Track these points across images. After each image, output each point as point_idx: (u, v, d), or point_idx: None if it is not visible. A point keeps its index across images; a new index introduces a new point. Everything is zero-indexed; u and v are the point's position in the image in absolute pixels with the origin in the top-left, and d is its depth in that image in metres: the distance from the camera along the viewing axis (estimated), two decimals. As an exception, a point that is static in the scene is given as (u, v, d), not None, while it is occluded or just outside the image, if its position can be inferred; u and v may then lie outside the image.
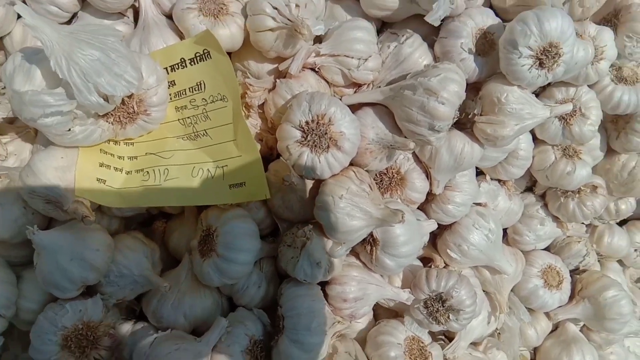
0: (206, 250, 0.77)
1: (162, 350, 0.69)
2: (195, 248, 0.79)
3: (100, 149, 0.76)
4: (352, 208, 0.74)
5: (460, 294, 0.83)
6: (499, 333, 0.99)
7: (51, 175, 0.70)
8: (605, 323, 1.01)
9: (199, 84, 0.75)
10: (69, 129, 0.68)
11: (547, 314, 1.07)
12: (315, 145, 0.73)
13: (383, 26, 0.91)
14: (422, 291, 0.85)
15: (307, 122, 0.73)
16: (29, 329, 0.74)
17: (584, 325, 1.11)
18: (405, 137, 0.77)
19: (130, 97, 0.70)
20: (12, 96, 0.66)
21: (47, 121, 0.66)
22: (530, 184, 1.10)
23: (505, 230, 1.07)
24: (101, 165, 0.75)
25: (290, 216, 0.82)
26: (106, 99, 0.66)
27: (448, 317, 0.83)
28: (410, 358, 0.83)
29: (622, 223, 1.19)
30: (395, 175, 0.86)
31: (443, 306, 0.83)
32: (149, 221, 0.91)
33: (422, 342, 0.86)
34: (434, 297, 0.84)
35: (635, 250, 1.20)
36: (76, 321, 0.73)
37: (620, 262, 1.22)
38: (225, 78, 0.74)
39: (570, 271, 1.09)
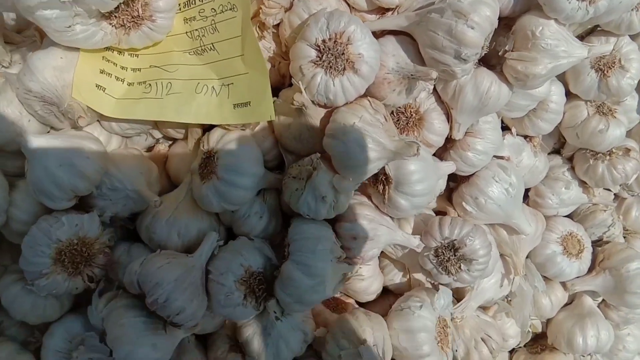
0: (206, 173, 0.74)
1: (152, 265, 0.67)
2: (196, 171, 0.76)
3: (103, 56, 0.73)
4: (364, 138, 0.70)
5: (474, 243, 0.79)
6: (510, 299, 0.95)
7: (49, 75, 0.68)
8: (626, 297, 0.97)
9: None
10: (69, 26, 0.65)
11: (563, 285, 1.03)
12: (331, 67, 0.69)
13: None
14: (434, 238, 0.81)
15: (323, 41, 0.69)
16: (19, 241, 0.72)
17: (602, 301, 1.07)
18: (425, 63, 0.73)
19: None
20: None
21: (45, 13, 0.63)
22: (558, 146, 1.05)
23: (527, 191, 1.03)
24: (102, 72, 0.73)
25: (298, 147, 0.78)
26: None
27: (460, 267, 0.80)
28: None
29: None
30: (414, 114, 0.82)
31: (455, 255, 0.80)
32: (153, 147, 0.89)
33: (445, 320, 0.83)
34: (446, 245, 0.80)
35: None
36: (71, 235, 0.71)
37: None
38: None
39: (593, 242, 1.05)
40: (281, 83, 0.82)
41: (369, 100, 0.74)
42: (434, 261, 0.81)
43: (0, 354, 0.78)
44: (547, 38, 0.74)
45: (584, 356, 1.02)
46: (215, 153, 0.73)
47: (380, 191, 0.78)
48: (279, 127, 0.77)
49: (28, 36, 0.81)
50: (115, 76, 0.73)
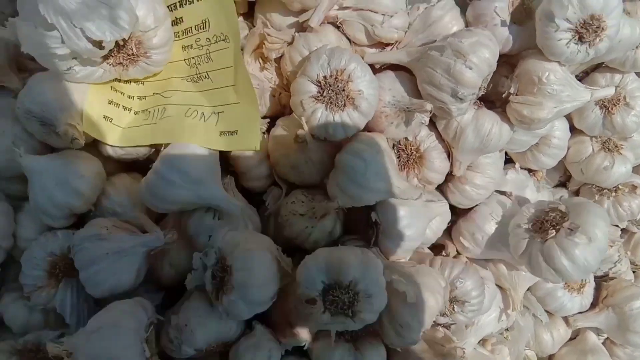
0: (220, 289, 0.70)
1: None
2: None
3: (111, 87, 0.77)
4: (383, 167, 0.73)
5: (465, 284, 0.80)
6: (508, 330, 0.95)
7: (48, 97, 0.72)
8: (629, 335, 0.97)
9: (204, 21, 0.75)
10: (69, 68, 0.70)
11: (566, 320, 1.03)
12: (331, 102, 0.72)
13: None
14: None
15: (324, 77, 0.72)
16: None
17: (608, 338, 1.06)
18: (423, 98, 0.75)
19: (128, 39, 0.70)
20: (17, 26, 0.68)
21: (44, 59, 0.68)
22: (564, 179, 1.06)
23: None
24: (110, 102, 0.77)
25: (295, 177, 0.81)
26: (98, 44, 0.66)
27: (453, 308, 0.81)
28: None
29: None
30: (414, 152, 0.84)
31: (448, 299, 0.81)
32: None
33: None
34: None
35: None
36: (66, 249, 0.74)
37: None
38: (227, 16, 0.73)
39: (598, 277, 1.04)
40: (281, 113, 0.85)
41: (386, 138, 0.77)
42: None
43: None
44: (553, 84, 0.76)
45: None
46: (229, 267, 0.67)
47: (370, 235, 0.80)
48: (276, 155, 0.79)
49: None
50: (123, 106, 0.77)
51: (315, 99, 0.72)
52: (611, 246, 1.04)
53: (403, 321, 0.70)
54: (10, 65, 0.83)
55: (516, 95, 0.79)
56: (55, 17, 0.63)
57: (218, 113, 0.75)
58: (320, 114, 0.72)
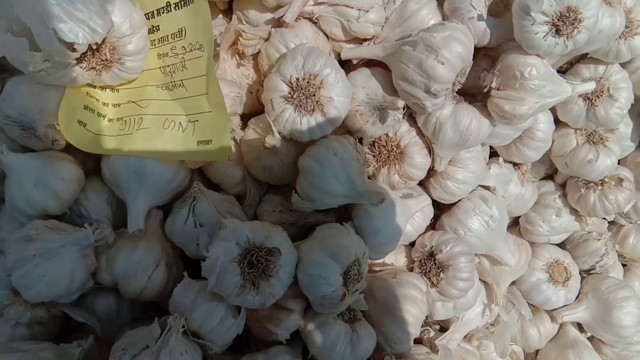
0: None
1: None
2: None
3: (87, 92, 0.77)
4: (341, 170, 0.73)
5: (449, 249, 0.82)
6: (493, 325, 0.96)
7: (25, 100, 0.72)
8: (612, 313, 0.97)
9: (180, 30, 0.75)
10: (40, 70, 0.70)
11: (551, 316, 1.03)
12: (300, 106, 0.72)
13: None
14: (417, 250, 0.86)
15: (297, 79, 0.72)
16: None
17: (595, 338, 1.07)
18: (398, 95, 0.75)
19: (102, 44, 0.70)
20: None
21: (14, 61, 0.68)
22: (551, 172, 1.06)
23: (517, 219, 1.04)
24: (85, 107, 0.77)
25: (267, 178, 0.82)
26: (70, 46, 0.66)
27: (439, 275, 0.82)
28: None
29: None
30: (395, 148, 0.84)
31: (435, 264, 0.83)
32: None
33: None
34: (427, 255, 0.85)
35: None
36: None
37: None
38: (203, 25, 0.73)
39: (585, 271, 1.05)
40: (259, 109, 0.85)
41: (355, 139, 0.78)
42: (419, 274, 0.85)
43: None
44: (535, 79, 0.75)
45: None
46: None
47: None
48: (248, 157, 0.80)
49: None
50: (98, 112, 0.77)
51: (285, 99, 0.73)
52: (598, 240, 1.04)
53: (395, 337, 0.78)
54: (-11, 65, 0.84)
55: (497, 90, 0.79)
56: (28, 17, 0.64)
57: (194, 122, 0.75)
58: (289, 115, 0.73)
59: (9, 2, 0.67)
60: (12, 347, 0.69)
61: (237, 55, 0.83)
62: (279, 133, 0.74)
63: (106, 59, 0.72)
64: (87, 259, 0.72)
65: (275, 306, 0.72)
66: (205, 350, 0.72)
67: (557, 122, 0.94)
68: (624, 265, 1.13)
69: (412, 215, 0.84)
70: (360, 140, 0.82)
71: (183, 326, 0.66)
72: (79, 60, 0.71)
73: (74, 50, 0.67)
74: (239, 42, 0.79)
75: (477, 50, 0.80)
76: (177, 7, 0.75)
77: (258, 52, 0.82)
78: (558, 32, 0.72)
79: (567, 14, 0.70)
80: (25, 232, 0.70)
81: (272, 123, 0.73)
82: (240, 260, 0.67)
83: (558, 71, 0.87)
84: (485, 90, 0.80)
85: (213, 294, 0.69)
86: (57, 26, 0.64)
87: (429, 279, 0.83)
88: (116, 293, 0.79)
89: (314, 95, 0.71)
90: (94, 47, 0.70)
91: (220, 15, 0.87)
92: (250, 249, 0.67)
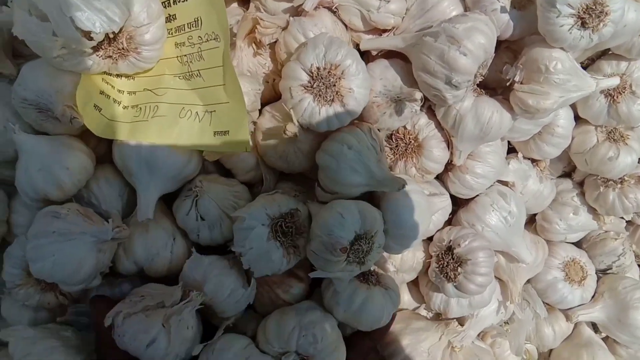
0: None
1: None
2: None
3: (102, 78, 0.77)
4: (357, 162, 0.72)
5: (468, 243, 0.81)
6: (507, 323, 0.95)
7: (42, 82, 0.72)
8: (629, 313, 0.96)
9: (196, 19, 0.74)
10: (57, 56, 0.69)
11: (566, 315, 1.02)
12: (320, 95, 0.71)
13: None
14: (435, 244, 0.85)
15: (317, 68, 0.71)
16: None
17: (611, 338, 1.05)
18: (421, 91, 0.74)
19: (120, 33, 0.70)
20: (14, 11, 0.68)
21: (33, 44, 0.68)
22: (568, 169, 1.04)
23: (534, 215, 1.03)
24: (101, 93, 0.77)
25: (283, 166, 0.81)
26: (87, 35, 0.66)
27: (457, 270, 0.81)
28: None
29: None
30: (413, 141, 0.83)
31: (452, 258, 0.82)
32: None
33: None
34: (445, 250, 0.84)
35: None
36: None
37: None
38: (218, 15, 0.73)
39: (601, 270, 1.04)
40: (275, 99, 0.84)
41: (370, 127, 0.76)
42: (437, 269, 0.84)
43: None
44: (560, 73, 0.74)
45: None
46: None
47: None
48: (264, 145, 0.79)
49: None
50: (113, 98, 0.77)
51: (305, 88, 0.72)
52: (616, 239, 1.03)
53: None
54: (5, 50, 0.83)
55: (521, 83, 0.77)
56: (46, 4, 0.63)
57: (211, 112, 0.75)
58: (307, 105, 0.72)
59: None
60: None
61: (254, 44, 0.82)
62: (297, 121, 0.73)
63: (123, 48, 0.71)
64: (100, 254, 0.72)
65: (286, 273, 0.76)
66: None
67: (577, 118, 0.93)
68: (639, 265, 1.11)
69: (435, 213, 0.83)
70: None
71: (201, 304, 0.68)
72: (96, 48, 0.70)
73: (90, 38, 0.67)
74: (256, 30, 0.78)
75: (499, 44, 0.78)
76: (194, -5, 0.74)
77: (275, 41, 0.81)
78: (583, 25, 0.71)
79: (594, 7, 0.69)
80: (57, 208, 0.70)
81: (291, 111, 0.72)
82: (274, 235, 0.71)
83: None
84: (507, 84, 0.78)
85: (222, 266, 0.73)
86: (74, 14, 0.64)
87: (447, 274, 0.82)
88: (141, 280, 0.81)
89: (334, 85, 0.70)
90: (111, 36, 0.69)
91: (236, 4, 0.86)
92: (275, 220, 0.71)
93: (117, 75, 0.78)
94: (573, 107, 0.91)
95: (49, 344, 0.72)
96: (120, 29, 0.69)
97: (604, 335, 1.06)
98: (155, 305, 0.65)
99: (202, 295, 0.68)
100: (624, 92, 0.86)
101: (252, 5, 0.81)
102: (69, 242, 0.68)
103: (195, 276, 0.73)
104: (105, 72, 0.77)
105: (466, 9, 0.78)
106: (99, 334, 0.64)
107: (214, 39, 0.74)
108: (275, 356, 0.73)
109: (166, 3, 0.76)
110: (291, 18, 0.78)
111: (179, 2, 0.76)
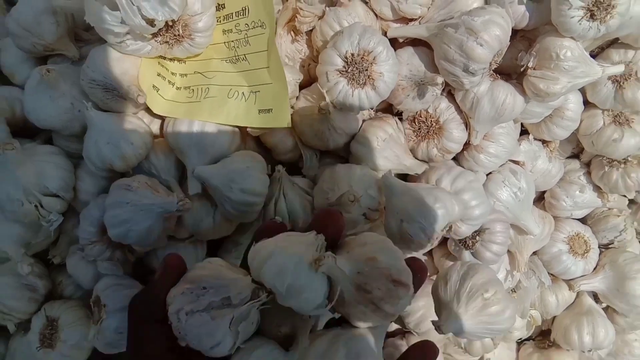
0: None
1: None
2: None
3: (159, 62, 0.87)
4: (389, 152, 0.84)
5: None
6: (514, 290, 1.03)
7: (109, 64, 0.82)
8: (627, 283, 1.04)
9: (244, 9, 0.83)
10: (121, 41, 0.79)
11: (569, 285, 1.11)
12: (353, 79, 0.80)
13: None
14: None
15: (352, 54, 0.79)
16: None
17: (610, 307, 1.14)
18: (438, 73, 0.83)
19: (177, 21, 0.79)
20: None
21: (101, 31, 0.78)
22: (577, 151, 1.12)
23: (543, 193, 1.11)
24: (158, 74, 0.86)
25: (319, 144, 0.90)
26: (150, 22, 0.75)
27: (475, 238, 0.89)
28: None
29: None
30: (434, 124, 0.92)
31: None
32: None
33: None
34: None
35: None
36: None
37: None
38: (265, 5, 0.81)
39: (603, 245, 1.12)
40: (310, 83, 0.93)
41: (396, 121, 0.87)
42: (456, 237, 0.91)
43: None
44: (570, 60, 0.82)
45: (584, 352, 1.10)
46: None
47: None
48: (301, 126, 0.88)
49: (95, 34, 0.96)
50: (168, 80, 0.86)
51: (340, 72, 0.80)
52: (618, 216, 1.10)
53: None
54: (69, 36, 0.93)
55: (534, 69, 0.85)
56: None
57: (255, 92, 0.84)
58: (342, 87, 0.81)
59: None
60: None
61: (292, 32, 0.91)
62: (331, 102, 0.82)
63: (178, 35, 0.81)
64: (165, 222, 0.83)
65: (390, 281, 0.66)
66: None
67: (586, 103, 1.00)
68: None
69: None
70: (400, 116, 0.90)
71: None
72: (155, 34, 0.80)
73: (153, 25, 0.76)
74: (296, 19, 0.87)
75: (515, 32, 0.86)
76: (241, -13, 0.83)
77: (312, 29, 0.90)
78: (592, 17, 0.78)
79: (602, 0, 0.76)
80: (129, 181, 0.81)
81: (324, 92, 0.81)
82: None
83: (590, 54, 0.93)
84: (521, 70, 0.86)
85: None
86: (141, 4, 0.73)
87: (465, 242, 0.90)
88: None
89: (366, 70, 0.79)
90: (170, 23, 0.79)
91: (276, -6, 0.95)
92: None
93: (171, 59, 0.88)
94: (582, 92, 0.98)
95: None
96: (178, 17, 0.78)
97: (604, 305, 1.15)
98: (220, 303, 0.54)
99: (270, 295, 0.54)
100: (629, 79, 0.93)
101: (291, -4, 0.90)
102: (141, 213, 0.79)
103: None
104: (160, 56, 0.86)
105: (486, 1, 0.86)
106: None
107: (260, 26, 0.83)
108: None
109: None
110: (327, 8, 0.87)
111: None
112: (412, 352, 0.53)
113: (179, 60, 0.88)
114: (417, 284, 0.51)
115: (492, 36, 0.76)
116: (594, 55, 0.99)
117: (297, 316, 0.53)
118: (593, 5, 0.77)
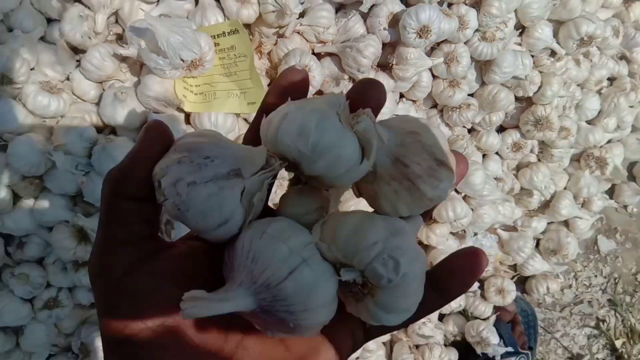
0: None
1: None
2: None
3: (183, 79, 1.46)
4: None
5: None
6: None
7: (156, 86, 1.40)
8: (469, 179, 1.79)
9: (232, 46, 1.43)
10: (164, 71, 1.39)
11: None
12: None
13: (340, 7, 1.59)
14: None
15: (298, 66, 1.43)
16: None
17: (465, 195, 1.89)
18: (345, 73, 1.50)
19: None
20: (141, 50, 1.36)
21: (154, 69, 1.37)
22: (434, 104, 1.84)
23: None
24: (184, 87, 1.47)
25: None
26: (183, 60, 1.35)
27: None
28: None
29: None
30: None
31: None
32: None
33: None
34: None
35: (507, 147, 1.95)
36: None
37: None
38: (245, 44, 1.42)
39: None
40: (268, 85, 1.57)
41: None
42: None
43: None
44: (414, 59, 1.50)
45: (451, 223, 1.85)
46: None
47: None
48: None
49: (131, 63, 1.54)
50: (189, 90, 1.47)
51: None
52: (462, 139, 1.84)
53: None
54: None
55: (396, 65, 1.53)
56: (167, 48, 1.32)
57: (244, 93, 1.46)
58: None
59: (154, 38, 1.34)
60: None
61: (259, 53, 1.53)
62: None
63: (197, 64, 1.41)
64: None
65: (434, 161, 0.55)
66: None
67: (434, 76, 1.71)
68: (484, 156, 1.95)
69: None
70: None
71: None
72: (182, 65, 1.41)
73: (184, 62, 1.37)
74: (261, 46, 1.50)
75: (385, 45, 1.53)
76: (229, 34, 1.44)
77: (270, 51, 1.53)
78: (420, 36, 1.46)
79: (424, 28, 1.44)
80: None
81: None
82: None
83: (427, 53, 1.62)
84: (390, 65, 1.54)
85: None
86: (179, 53, 1.33)
87: None
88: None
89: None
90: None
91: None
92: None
93: (189, 77, 1.48)
94: (430, 70, 1.68)
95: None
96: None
97: (463, 194, 1.90)
98: (227, 174, 0.43)
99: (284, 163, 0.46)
100: (452, 61, 1.64)
101: (256, 33, 1.51)
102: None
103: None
104: (184, 77, 1.47)
105: (367, 29, 1.52)
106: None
107: (243, 55, 1.44)
108: (334, 263, 0.45)
109: (214, 36, 1.45)
110: (279, 39, 1.50)
111: (220, 37, 1.45)
112: (463, 260, 0.43)
113: (194, 77, 1.49)
114: (459, 176, 0.44)
115: (370, 52, 1.43)
116: (433, 47, 1.69)
117: (324, 197, 0.46)
118: (420, 31, 1.45)
